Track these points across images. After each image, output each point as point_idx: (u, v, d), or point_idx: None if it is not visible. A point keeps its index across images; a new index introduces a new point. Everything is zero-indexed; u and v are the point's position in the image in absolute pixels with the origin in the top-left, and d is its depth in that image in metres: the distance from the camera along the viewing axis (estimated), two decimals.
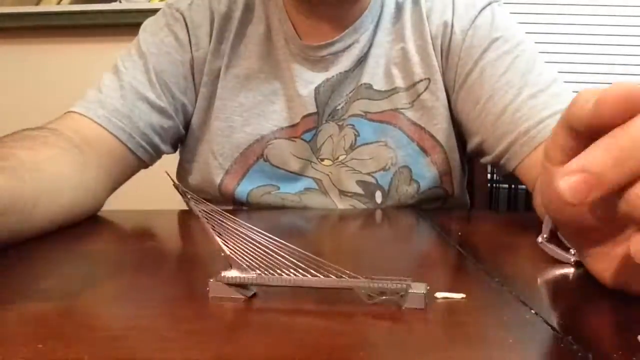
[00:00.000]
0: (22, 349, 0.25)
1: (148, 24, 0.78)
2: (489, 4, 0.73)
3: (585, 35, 1.65)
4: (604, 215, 0.31)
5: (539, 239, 0.42)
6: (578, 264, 0.40)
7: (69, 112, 0.70)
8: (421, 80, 0.73)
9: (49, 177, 0.55)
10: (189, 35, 0.75)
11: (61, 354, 0.25)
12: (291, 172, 0.76)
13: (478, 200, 0.99)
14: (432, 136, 0.74)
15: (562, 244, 0.41)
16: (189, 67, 0.76)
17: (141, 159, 0.73)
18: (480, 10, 0.72)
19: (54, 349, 0.26)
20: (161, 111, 0.73)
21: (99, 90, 0.71)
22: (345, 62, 0.74)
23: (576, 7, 1.65)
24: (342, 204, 0.76)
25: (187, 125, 0.78)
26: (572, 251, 0.41)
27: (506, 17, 0.73)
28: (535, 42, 0.73)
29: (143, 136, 0.72)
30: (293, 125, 0.75)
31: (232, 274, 0.32)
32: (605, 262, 0.34)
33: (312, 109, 0.74)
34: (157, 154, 0.76)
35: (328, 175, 0.76)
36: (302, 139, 0.75)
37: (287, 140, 0.75)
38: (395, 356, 0.25)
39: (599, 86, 0.30)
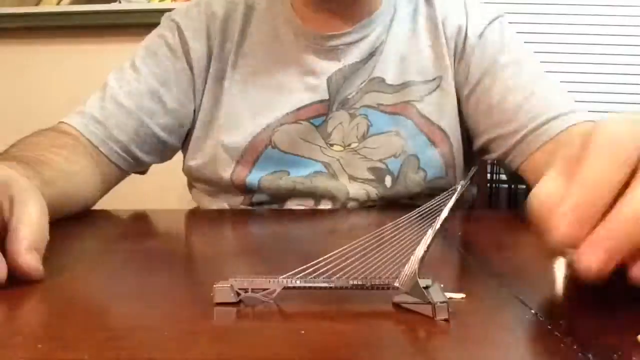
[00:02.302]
0: (22, 350, 0.25)
1: (146, 38, 0.79)
2: (497, 17, 0.78)
3: (585, 36, 1.65)
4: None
5: None
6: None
7: (60, 122, 0.72)
8: (434, 79, 0.76)
9: (79, 182, 0.65)
10: (182, 44, 0.76)
11: (61, 354, 0.25)
12: (299, 155, 0.76)
13: (478, 200, 0.99)
14: (441, 130, 0.77)
15: None
16: (186, 74, 0.77)
17: (118, 166, 0.74)
18: (491, 22, 0.77)
19: (54, 349, 0.26)
20: (164, 127, 0.76)
21: (102, 108, 0.73)
22: (356, 54, 0.76)
23: (576, 7, 1.64)
24: (352, 188, 0.76)
25: (188, 128, 0.79)
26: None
27: (513, 31, 0.78)
28: (535, 52, 0.81)
29: (118, 143, 0.73)
30: (298, 109, 0.76)
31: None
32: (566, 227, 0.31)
33: (324, 95, 0.75)
34: (138, 163, 0.77)
35: (338, 160, 0.77)
36: (309, 122, 0.76)
37: (293, 124, 0.76)
38: (396, 356, 0.25)
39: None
